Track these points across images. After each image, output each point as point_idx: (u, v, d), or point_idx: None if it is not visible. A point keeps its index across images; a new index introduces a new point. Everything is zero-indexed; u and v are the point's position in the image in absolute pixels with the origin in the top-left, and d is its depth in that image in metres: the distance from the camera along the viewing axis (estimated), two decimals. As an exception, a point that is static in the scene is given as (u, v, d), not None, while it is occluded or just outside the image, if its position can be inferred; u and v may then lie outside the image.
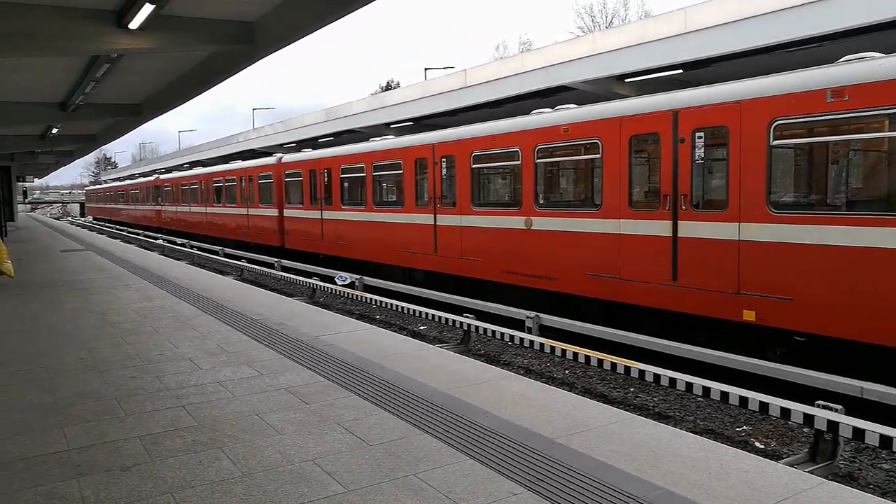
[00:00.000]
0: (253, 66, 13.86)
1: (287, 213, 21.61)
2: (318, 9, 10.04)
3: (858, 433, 5.53)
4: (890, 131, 7.35)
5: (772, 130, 8.04)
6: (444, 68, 38.69)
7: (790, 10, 14.38)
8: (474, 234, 12.92)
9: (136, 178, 56.41)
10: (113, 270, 14.96)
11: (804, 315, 7.82)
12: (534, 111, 12.29)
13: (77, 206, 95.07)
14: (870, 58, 7.57)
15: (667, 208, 9.21)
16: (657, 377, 7.45)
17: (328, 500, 3.62)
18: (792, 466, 4.75)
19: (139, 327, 8.38)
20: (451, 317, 10.75)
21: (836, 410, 5.84)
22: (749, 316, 8.28)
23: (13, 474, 4.00)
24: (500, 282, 12.35)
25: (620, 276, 9.90)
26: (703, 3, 16.51)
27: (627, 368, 7.81)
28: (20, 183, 51.12)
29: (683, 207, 9.02)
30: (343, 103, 33.53)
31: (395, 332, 9.63)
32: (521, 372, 9.32)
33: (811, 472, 5.13)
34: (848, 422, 5.63)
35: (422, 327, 12.53)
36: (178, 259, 22.11)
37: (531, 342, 9.25)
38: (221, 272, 19.48)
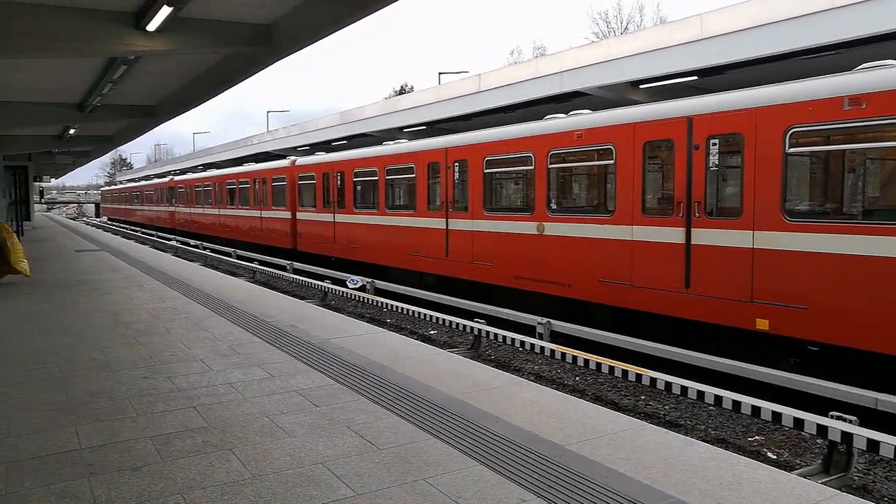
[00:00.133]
0: (268, 69, 13.94)
1: (300, 215, 21.68)
2: (334, 12, 10.08)
3: (873, 445, 5.47)
4: (908, 140, 7.28)
5: (787, 138, 7.98)
6: (458, 73, 38.69)
7: (807, 18, 14.28)
8: (486, 239, 12.91)
9: (151, 179, 56.83)
10: (126, 271, 15.07)
11: (819, 325, 7.74)
12: (547, 116, 12.27)
13: (92, 206, 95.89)
14: (889, 66, 7.50)
15: (680, 215, 9.16)
16: (669, 385, 7.41)
17: (337, 504, 3.62)
18: (805, 477, 4.70)
19: (152, 328, 8.43)
20: (462, 321, 10.74)
21: (851, 421, 5.77)
22: (762, 325, 8.22)
23: (26, 473, 4.03)
24: (511, 287, 12.32)
25: (632, 283, 9.85)
26: (719, 10, 16.44)
27: (639, 376, 7.76)
28: (37, 183, 51.60)
29: (697, 215, 8.97)
30: (357, 107, 33.62)
31: (405, 335, 9.63)
32: (532, 378, 9.29)
33: (825, 483, 5.08)
34: (862, 433, 5.57)
35: (432, 331, 12.52)
36: (191, 260, 22.25)
37: (542, 348, 9.22)
38: (234, 274, 19.56)
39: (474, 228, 13.21)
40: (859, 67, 7.85)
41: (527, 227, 11.85)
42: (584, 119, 11.11)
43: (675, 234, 9.25)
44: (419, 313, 12.01)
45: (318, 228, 20.27)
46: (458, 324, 10.82)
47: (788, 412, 6.17)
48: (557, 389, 7.49)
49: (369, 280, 16.17)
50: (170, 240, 33.51)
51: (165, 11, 9.81)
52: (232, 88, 16.33)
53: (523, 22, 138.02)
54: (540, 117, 12.47)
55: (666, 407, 8.22)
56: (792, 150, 8.05)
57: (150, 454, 4.30)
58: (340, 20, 10.11)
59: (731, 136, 8.75)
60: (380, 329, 8.72)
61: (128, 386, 5.85)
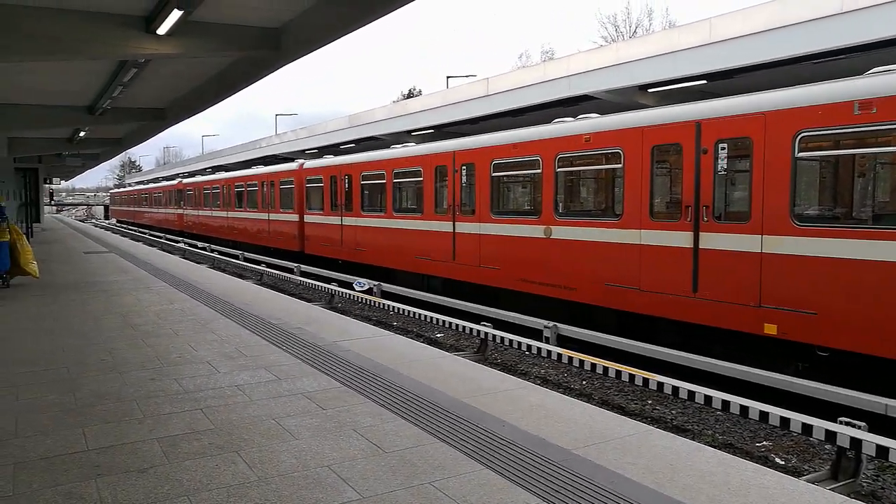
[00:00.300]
0: (277, 72, 13.99)
1: (307, 218, 21.73)
2: (342, 16, 10.12)
3: (882, 451, 5.43)
4: (918, 145, 7.24)
5: (797, 142, 7.95)
6: (467, 76, 38.77)
7: (816, 22, 14.23)
8: (493, 243, 12.90)
9: (160, 181, 57.09)
10: (135, 273, 15.14)
11: (828, 330, 7.70)
12: (555, 120, 12.26)
13: (101, 208, 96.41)
14: (899, 70, 7.46)
15: (688, 219, 9.13)
16: (676, 389, 7.37)
17: (343, 507, 3.62)
18: (813, 483, 4.67)
19: (159, 329, 8.46)
20: (469, 325, 10.73)
21: (860, 427, 5.73)
22: (770, 329, 8.17)
23: (33, 473, 4.05)
24: (517, 290, 12.30)
25: (640, 287, 9.82)
26: (728, 14, 16.41)
27: (646, 380, 7.73)
28: (47, 185, 51.93)
29: (705, 219, 8.94)
30: (365, 110, 33.70)
31: (411, 339, 9.63)
32: (539, 382, 9.27)
33: (833, 489, 5.04)
34: (871, 439, 5.53)
35: (439, 335, 12.52)
36: (198, 262, 22.33)
37: (549, 352, 9.19)
38: (241, 276, 19.61)
39: (481, 232, 13.20)
40: (869, 72, 7.81)
41: (534, 231, 11.83)
42: (592, 123, 11.09)
43: (683, 239, 9.22)
44: (426, 316, 12.01)
45: (325, 231, 20.30)
46: (464, 327, 10.81)
47: (797, 417, 6.13)
48: (564, 393, 7.47)
49: (376, 283, 16.18)
50: (178, 242, 33.64)
51: (176, 15, 9.88)
52: (241, 92, 16.41)
53: (531, 26, 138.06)
54: (548, 121, 12.46)
55: (673, 411, 8.19)
56: (801, 154, 8.01)
57: (157, 456, 4.31)
58: (348, 24, 10.15)
59: (739, 141, 8.72)
60: (386, 332, 8.72)
61: (135, 387, 5.87)
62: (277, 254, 23.69)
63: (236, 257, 25.44)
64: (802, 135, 7.91)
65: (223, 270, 20.68)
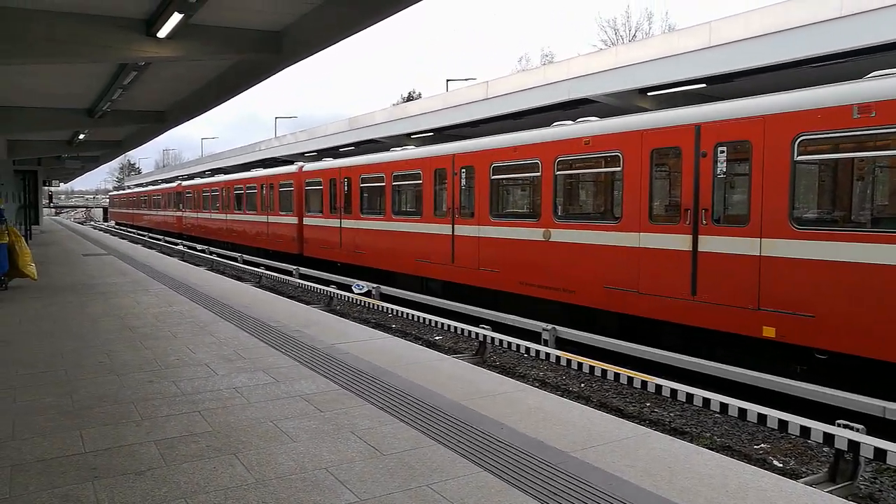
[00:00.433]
0: (277, 75, 13.99)
1: (306, 221, 21.73)
2: (342, 19, 10.12)
3: (880, 454, 5.43)
4: (916, 148, 7.25)
5: (796, 146, 7.96)
6: (466, 79, 38.78)
7: (816, 26, 14.25)
8: (492, 245, 12.90)
9: (159, 184, 57.09)
10: (133, 275, 15.13)
11: (826, 332, 7.70)
12: (555, 123, 12.27)
13: (100, 210, 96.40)
14: (897, 74, 7.47)
15: (687, 222, 9.14)
16: (674, 392, 7.38)
17: (340, 509, 3.61)
18: (811, 486, 4.66)
19: (158, 332, 8.45)
20: (467, 327, 10.73)
21: (857, 430, 5.74)
22: (769, 332, 8.18)
23: (30, 476, 4.04)
24: (516, 293, 12.31)
25: (639, 290, 9.83)
26: (728, 18, 16.43)
27: (644, 383, 7.73)
28: (46, 187, 51.93)
29: (704, 222, 8.95)
30: (365, 113, 33.72)
31: (410, 341, 9.63)
32: (537, 384, 9.27)
33: (831, 492, 5.03)
34: (869, 442, 5.53)
35: (437, 337, 12.51)
36: (197, 265, 22.31)
37: (547, 355, 9.20)
38: (240, 279, 19.61)
39: (480, 234, 13.21)
40: (869, 76, 7.83)
41: (533, 234, 11.84)
42: (591, 126, 11.11)
43: (682, 242, 9.23)
44: (424, 319, 12.01)
45: (324, 234, 20.31)
46: (463, 329, 10.80)
47: (795, 420, 6.14)
48: (562, 396, 7.48)
49: (375, 286, 16.18)
50: (177, 244, 33.64)
51: (176, 18, 9.88)
52: (241, 94, 16.40)
53: (531, 29, 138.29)
54: (548, 124, 12.47)
55: (671, 414, 8.18)
56: (800, 157, 8.02)
57: (155, 458, 4.31)
58: (349, 27, 10.15)
59: (739, 144, 8.73)
60: (385, 334, 8.72)
61: (133, 390, 5.87)
62: (276, 256, 23.69)
63: (235, 260, 25.44)
64: (801, 138, 7.92)
65: (222, 273, 20.67)
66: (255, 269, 21.40)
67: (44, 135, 25.53)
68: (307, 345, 7.67)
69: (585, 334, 10.40)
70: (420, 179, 15.29)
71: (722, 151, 8.78)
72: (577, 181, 12.98)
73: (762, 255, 8.27)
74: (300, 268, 20.41)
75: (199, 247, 31.27)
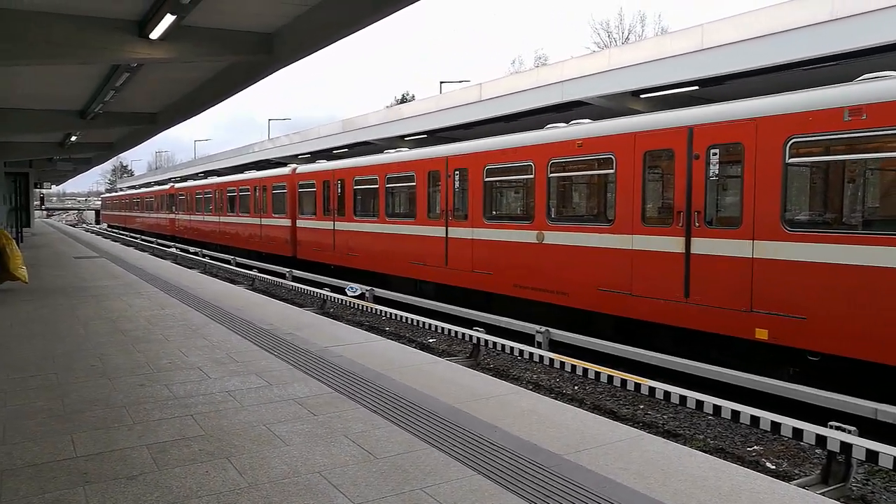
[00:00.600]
0: (270, 76, 13.97)
1: (300, 223, 21.69)
2: (335, 21, 10.11)
3: (872, 455, 5.44)
4: (907, 150, 7.29)
5: (788, 148, 7.99)
6: (460, 82, 38.81)
7: (808, 29, 14.32)
8: (486, 248, 12.91)
9: (152, 186, 56.90)
10: (126, 278, 15.06)
11: (818, 334, 7.73)
12: (548, 125, 12.29)
13: (92, 213, 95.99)
14: (889, 77, 7.51)
15: (680, 225, 9.16)
16: (667, 394, 7.38)
17: (333, 513, 3.60)
18: (804, 488, 4.68)
19: (150, 335, 8.41)
20: (461, 330, 10.72)
21: (850, 432, 5.75)
22: (762, 334, 8.20)
23: (21, 481, 4.01)
24: (510, 295, 12.31)
25: (632, 292, 9.84)
26: (720, 20, 16.50)
27: (637, 385, 7.74)
28: (37, 189, 51.64)
29: (697, 224, 8.97)
30: (358, 115, 33.72)
31: (404, 344, 9.61)
32: (531, 387, 9.27)
33: (823, 494, 5.05)
34: (861, 443, 5.55)
35: (431, 340, 12.50)
36: (190, 267, 22.25)
37: (541, 357, 9.19)
38: (233, 281, 19.56)
39: (474, 237, 13.21)
40: (860, 78, 7.87)
41: (527, 236, 11.85)
42: (584, 128, 11.13)
43: (674, 244, 9.25)
44: (418, 321, 11.99)
45: (317, 236, 20.27)
46: (456, 332, 10.79)
47: (787, 422, 6.15)
48: (556, 399, 7.48)
49: (368, 288, 16.16)
50: (169, 247, 33.53)
51: (169, 20, 9.85)
52: (234, 96, 16.37)
53: (525, 32, 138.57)
54: (541, 126, 12.48)
55: (665, 416, 8.20)
56: (792, 160, 8.06)
57: (146, 463, 4.28)
58: (342, 29, 10.15)
59: (731, 146, 8.76)
60: (378, 337, 8.70)
61: (125, 393, 5.83)
62: (269, 259, 23.63)
63: (228, 262, 25.38)
64: (793, 141, 7.96)
65: (215, 275, 20.60)
66: (248, 271, 21.34)
67: (35, 136, 25.40)
68: (300, 348, 7.65)
69: (579, 337, 10.41)
70: (414, 182, 15.28)
71: (714, 154, 8.81)
72: (570, 183, 13.01)
73: (754, 257, 8.30)
74: (293, 270, 20.37)
75: (192, 249, 31.17)
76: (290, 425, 4.99)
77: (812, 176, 9.34)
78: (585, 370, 8.46)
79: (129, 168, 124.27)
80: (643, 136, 9.81)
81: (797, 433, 6.01)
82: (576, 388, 9.43)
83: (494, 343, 9.92)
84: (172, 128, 22.46)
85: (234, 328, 8.85)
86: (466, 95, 25.52)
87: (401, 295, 15.31)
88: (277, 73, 13.31)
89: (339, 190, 18.90)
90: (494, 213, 13.44)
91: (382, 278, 16.82)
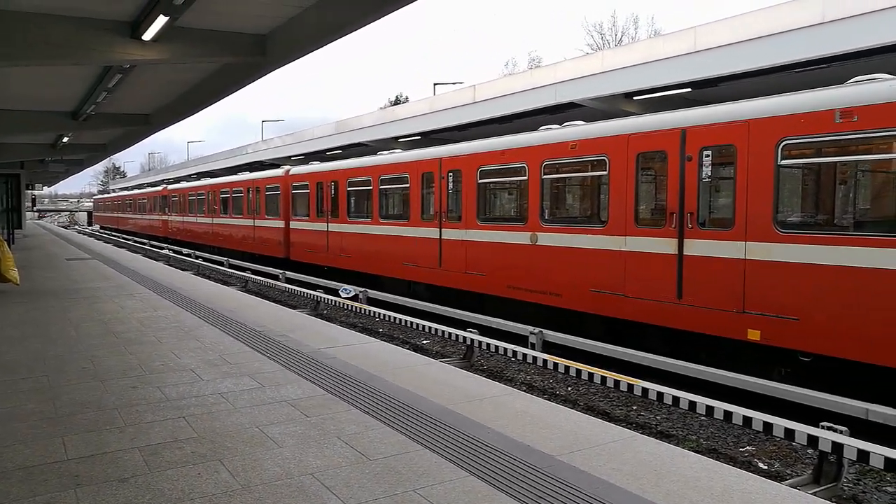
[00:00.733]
0: (264, 78, 13.95)
1: (293, 224, 21.66)
2: (329, 23, 10.12)
3: (863, 455, 5.47)
4: (898, 152, 7.33)
5: (780, 150, 8.03)
6: (454, 83, 38.84)
7: (800, 31, 14.39)
8: (479, 249, 12.91)
9: (144, 187, 56.72)
10: (118, 279, 15.00)
11: (810, 335, 7.76)
12: (542, 127, 12.31)
13: (84, 214, 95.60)
14: (880, 79, 7.56)
15: (673, 226, 9.19)
16: (660, 395, 7.40)
17: (326, 515, 3.59)
18: (796, 488, 4.69)
19: (142, 337, 8.38)
20: (455, 331, 10.72)
21: (841, 432, 5.77)
22: (754, 335, 8.23)
23: (11, 484, 3.99)
24: (504, 297, 12.32)
25: (625, 294, 9.86)
26: (713, 23, 16.56)
27: (630, 386, 7.75)
28: (29, 191, 51.39)
29: (689, 225, 9.00)
30: (352, 116, 33.69)
31: (397, 345, 9.60)
32: (524, 388, 9.27)
33: (815, 493, 5.07)
34: (852, 444, 5.57)
35: (425, 341, 12.49)
36: (183, 269, 22.17)
37: (534, 358, 9.20)
38: (226, 283, 19.51)
39: (468, 238, 13.22)
40: (851, 81, 7.92)
41: (520, 238, 11.86)
42: (578, 130, 11.15)
43: (667, 245, 9.27)
44: (411, 323, 11.98)
45: (311, 238, 20.24)
46: (450, 333, 10.79)
47: (779, 422, 6.17)
48: (549, 400, 7.47)
49: (362, 289, 16.14)
50: (162, 248, 33.42)
51: (161, 21, 9.83)
52: (227, 97, 16.34)
53: (518, 34, 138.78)
54: (534, 128, 12.50)
55: (658, 417, 8.22)
56: (784, 161, 8.09)
57: (138, 465, 4.26)
58: (335, 30, 10.15)
59: (723, 148, 8.79)
60: (372, 339, 8.69)
61: (117, 396, 5.81)
62: (263, 260, 23.58)
63: (221, 264, 25.31)
64: (785, 143, 7.99)
65: (208, 277, 20.54)
66: (241, 273, 21.29)
67: (27, 137, 25.30)
68: (293, 349, 7.64)
69: (572, 338, 10.43)
70: (407, 183, 15.28)
71: (707, 155, 8.84)
72: (563, 185, 13.02)
73: (747, 258, 8.33)
74: (286, 272, 20.33)
75: (185, 251, 31.08)
76: (283, 427, 4.97)
77: (804, 178, 9.38)
78: (579, 371, 8.47)
79: (121, 169, 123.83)
80: (636, 137, 9.84)
81: (789, 433, 6.03)
82: (569, 389, 9.44)
83: (488, 344, 9.93)
84: (165, 129, 22.42)
85: (226, 330, 8.83)
86: (460, 97, 25.52)
87: (394, 296, 15.31)
88: (271, 74, 13.31)
89: (333, 191, 18.88)
90: (488, 214, 13.45)
91: (376, 280, 16.81)
